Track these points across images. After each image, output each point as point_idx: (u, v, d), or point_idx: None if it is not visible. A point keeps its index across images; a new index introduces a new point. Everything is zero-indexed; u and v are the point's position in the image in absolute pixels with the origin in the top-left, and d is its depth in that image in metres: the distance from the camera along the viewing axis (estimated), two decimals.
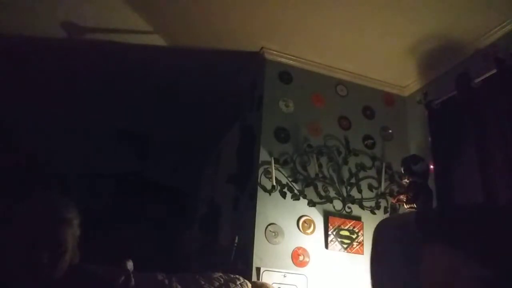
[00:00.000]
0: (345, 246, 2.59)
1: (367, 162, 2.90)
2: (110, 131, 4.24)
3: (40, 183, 4.34)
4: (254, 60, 2.98)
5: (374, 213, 2.76)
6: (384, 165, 2.89)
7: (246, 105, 3.15)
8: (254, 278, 2.35)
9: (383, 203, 2.81)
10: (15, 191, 3.35)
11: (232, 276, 2.13)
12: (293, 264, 2.48)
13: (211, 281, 2.03)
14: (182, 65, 3.20)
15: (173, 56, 3.08)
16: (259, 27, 2.72)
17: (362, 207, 2.76)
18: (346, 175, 2.81)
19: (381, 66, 3.02)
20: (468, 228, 0.75)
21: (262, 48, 2.90)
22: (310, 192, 2.68)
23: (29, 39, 2.95)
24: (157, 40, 2.91)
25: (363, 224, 2.68)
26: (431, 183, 2.53)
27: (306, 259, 2.51)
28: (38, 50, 3.08)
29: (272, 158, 2.64)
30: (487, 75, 2.38)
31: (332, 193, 2.72)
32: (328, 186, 2.73)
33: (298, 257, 2.50)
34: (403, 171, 2.54)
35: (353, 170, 2.84)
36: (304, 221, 2.59)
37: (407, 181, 2.51)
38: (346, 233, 2.62)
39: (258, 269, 2.39)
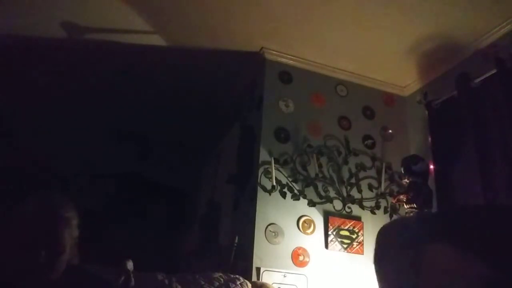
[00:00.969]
0: (345, 246, 2.59)
1: (367, 162, 2.90)
2: (110, 131, 4.24)
3: (40, 183, 4.34)
4: (254, 60, 2.98)
5: (374, 213, 2.76)
6: (384, 165, 2.89)
7: (246, 105, 3.15)
8: (254, 278, 2.35)
9: (383, 203, 2.81)
10: (15, 191, 3.35)
11: (232, 276, 2.13)
12: (293, 264, 2.48)
13: (211, 281, 2.03)
14: (182, 65, 3.20)
15: (173, 56, 3.08)
16: (259, 27, 2.72)
17: (362, 207, 2.76)
18: (346, 175, 2.81)
19: (381, 66, 3.02)
20: (469, 228, 0.75)
21: (262, 48, 2.90)
22: (310, 192, 2.68)
23: (29, 39, 2.95)
24: (157, 40, 2.91)
25: (363, 224, 2.68)
26: (431, 183, 2.53)
27: (306, 259, 2.51)
28: (38, 50, 3.08)
29: (272, 158, 2.64)
30: (487, 75, 2.38)
31: (332, 193, 2.72)
32: (328, 186, 2.73)
33: (298, 257, 2.50)
34: (403, 171, 2.54)
35: (353, 170, 2.84)
36: (304, 221, 2.59)
37: (407, 181, 2.52)
38: (346, 233, 2.62)
39: (258, 269, 2.39)
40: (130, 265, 1.96)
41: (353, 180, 2.81)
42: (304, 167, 2.72)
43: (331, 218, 2.63)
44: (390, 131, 3.08)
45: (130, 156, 4.62)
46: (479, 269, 0.69)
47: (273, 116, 2.80)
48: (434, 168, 2.60)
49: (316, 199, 2.67)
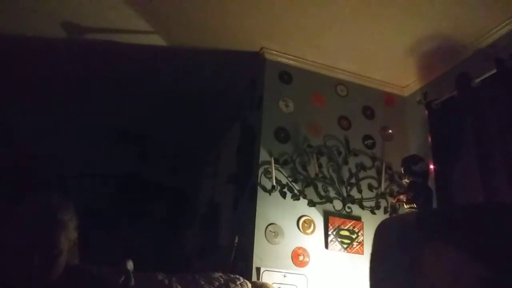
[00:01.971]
0: (345, 246, 2.59)
1: (367, 162, 2.90)
2: (110, 131, 4.24)
3: (40, 183, 4.34)
4: (254, 60, 2.98)
5: (374, 213, 2.76)
6: (384, 165, 2.89)
7: (246, 105, 3.15)
8: (254, 278, 2.35)
9: (383, 203, 2.81)
10: (15, 191, 3.35)
11: (232, 276, 2.13)
12: (293, 264, 2.48)
13: (211, 281, 2.03)
14: (182, 65, 3.20)
15: (173, 56, 3.09)
16: (259, 27, 2.72)
17: (362, 207, 2.76)
18: (346, 175, 2.81)
19: (381, 66, 3.02)
20: (469, 228, 0.75)
21: (262, 48, 2.90)
22: (310, 192, 2.68)
23: (29, 39, 2.95)
24: (157, 40, 2.91)
25: (363, 224, 2.68)
26: (431, 183, 2.53)
27: (306, 259, 2.51)
28: (38, 50, 3.08)
29: (272, 158, 2.64)
30: (487, 75, 2.38)
31: (332, 193, 2.72)
32: (328, 186, 2.73)
33: (298, 257, 2.50)
34: (403, 171, 2.54)
35: (353, 170, 2.84)
36: (304, 221, 2.59)
37: (407, 181, 2.51)
38: (346, 233, 2.62)
39: (258, 269, 2.39)
40: (130, 265, 1.96)
41: (353, 180, 2.81)
42: (304, 167, 2.72)
43: (331, 218, 2.63)
44: (390, 131, 3.08)
45: (130, 156, 4.62)
46: (478, 269, 0.69)
47: (273, 116, 2.80)
48: (434, 168, 2.60)
49: (316, 199, 2.67)
